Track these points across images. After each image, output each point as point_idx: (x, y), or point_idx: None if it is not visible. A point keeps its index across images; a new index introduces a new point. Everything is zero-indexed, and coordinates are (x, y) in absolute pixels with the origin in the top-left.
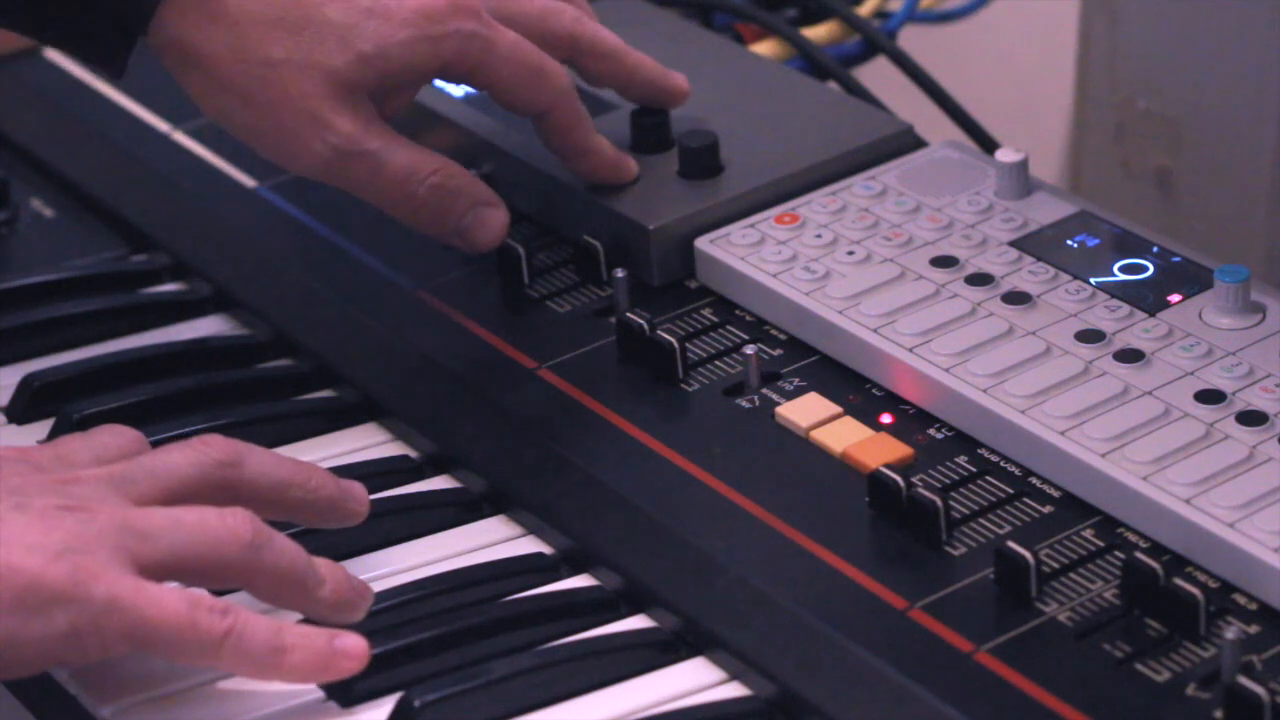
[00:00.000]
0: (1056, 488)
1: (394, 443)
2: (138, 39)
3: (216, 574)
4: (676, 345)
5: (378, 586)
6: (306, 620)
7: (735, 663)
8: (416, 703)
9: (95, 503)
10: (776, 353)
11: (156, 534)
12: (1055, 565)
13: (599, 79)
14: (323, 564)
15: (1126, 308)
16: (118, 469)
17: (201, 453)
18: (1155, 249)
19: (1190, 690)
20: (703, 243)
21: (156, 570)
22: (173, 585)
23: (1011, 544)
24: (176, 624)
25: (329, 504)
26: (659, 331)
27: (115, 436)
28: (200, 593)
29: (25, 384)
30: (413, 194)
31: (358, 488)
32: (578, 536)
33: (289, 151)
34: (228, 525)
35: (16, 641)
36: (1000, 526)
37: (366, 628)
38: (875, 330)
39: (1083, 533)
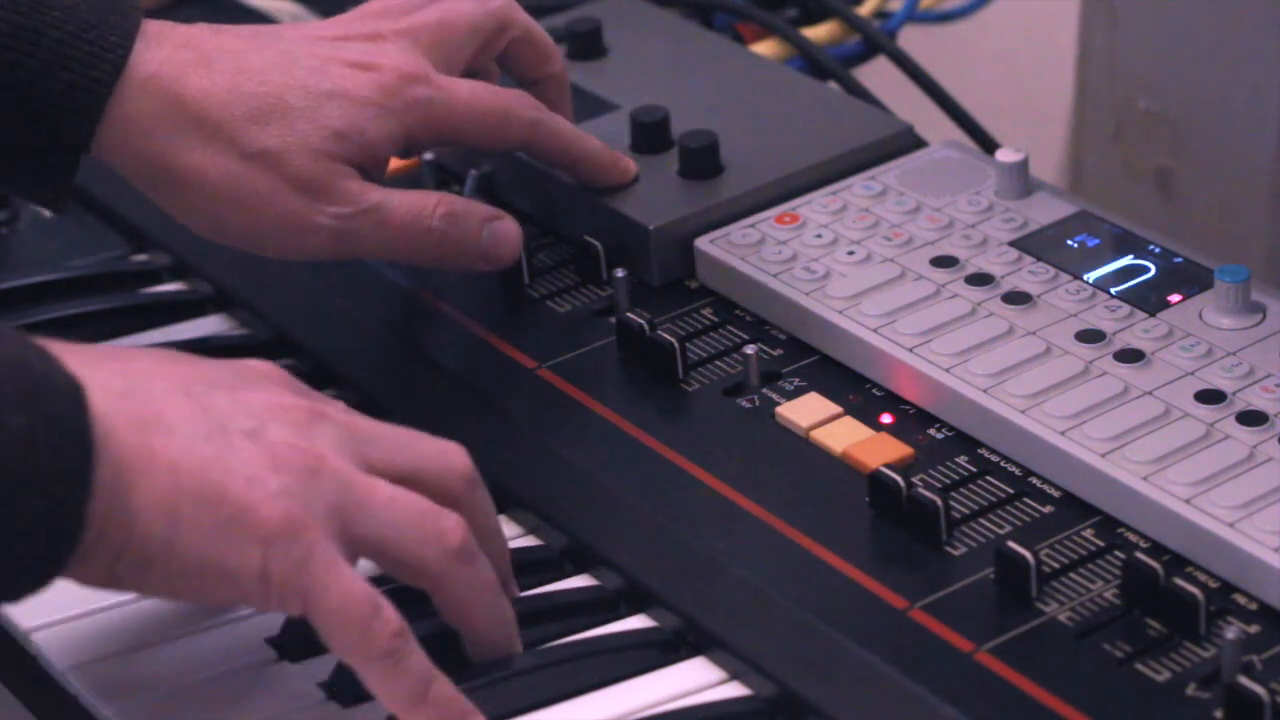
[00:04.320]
0: (1056, 488)
1: None
2: (80, 159)
3: (411, 569)
4: (676, 345)
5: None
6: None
7: (735, 663)
8: None
9: (328, 452)
10: (776, 353)
11: (371, 508)
12: (1055, 565)
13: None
14: (507, 605)
15: (1126, 308)
16: (365, 424)
17: (448, 457)
18: (1155, 249)
19: (1190, 690)
20: (703, 243)
21: (359, 543)
22: (365, 578)
23: (1011, 544)
24: (348, 616)
25: (501, 576)
26: (659, 331)
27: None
28: (387, 601)
29: None
30: (428, 229)
31: (514, 590)
32: (578, 536)
33: (293, 236)
34: (440, 526)
35: (211, 567)
36: (1000, 526)
37: None
38: (875, 330)
39: (1083, 533)
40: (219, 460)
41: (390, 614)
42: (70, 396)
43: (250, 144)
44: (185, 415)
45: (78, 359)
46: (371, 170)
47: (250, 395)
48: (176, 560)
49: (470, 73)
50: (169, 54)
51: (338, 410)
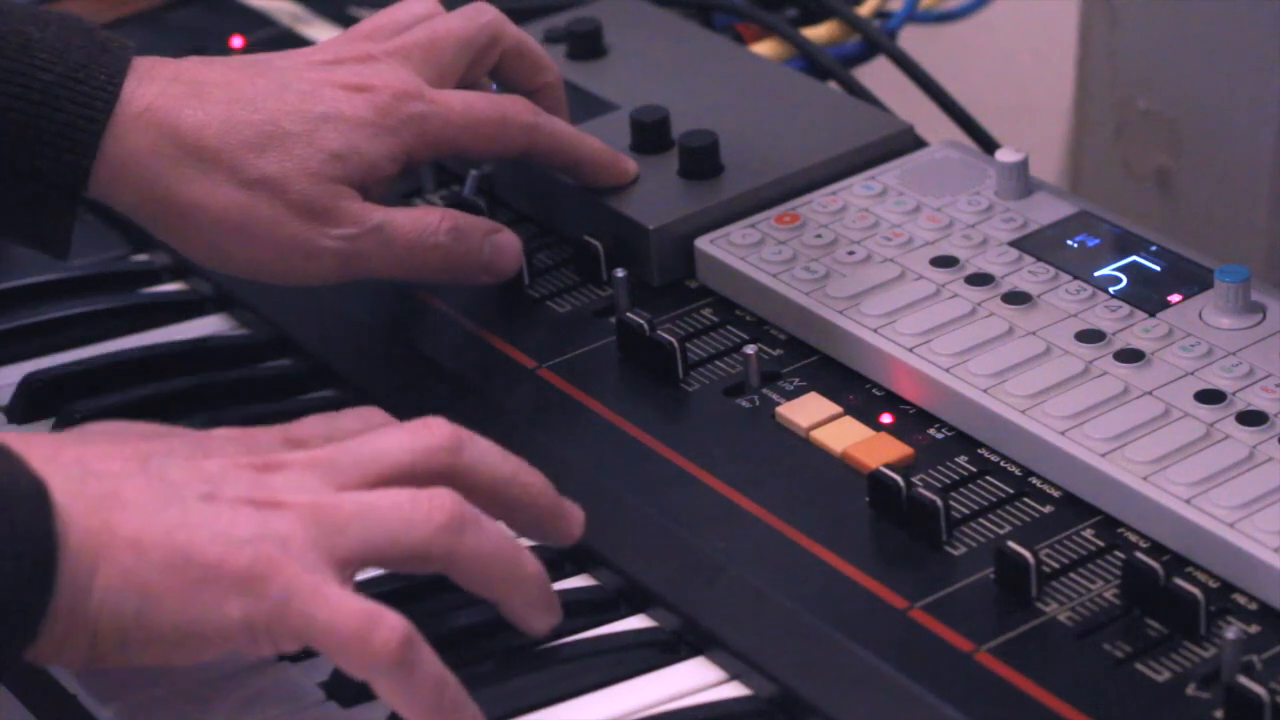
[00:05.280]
0: (1056, 488)
1: None
2: (78, 201)
3: (412, 559)
4: (676, 345)
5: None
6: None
7: (735, 663)
8: None
9: (288, 494)
10: (776, 353)
11: (345, 525)
12: (1055, 565)
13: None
14: (530, 560)
15: (1126, 308)
16: (325, 454)
17: (417, 437)
18: (1155, 249)
19: (1190, 690)
20: (703, 243)
21: (351, 561)
22: (357, 595)
23: (1011, 544)
24: (346, 635)
25: (543, 512)
26: (659, 331)
27: (355, 421)
28: (383, 609)
29: (25, 384)
30: (435, 245)
31: (576, 509)
32: None
33: (299, 262)
34: (422, 508)
35: (190, 631)
36: (1000, 526)
37: None
38: (875, 330)
39: (1083, 533)
40: (181, 525)
41: (392, 622)
42: (34, 500)
43: (250, 172)
44: (141, 490)
45: (39, 454)
46: (373, 190)
47: (205, 463)
48: (153, 631)
49: (464, 88)
50: (161, 88)
51: (294, 455)
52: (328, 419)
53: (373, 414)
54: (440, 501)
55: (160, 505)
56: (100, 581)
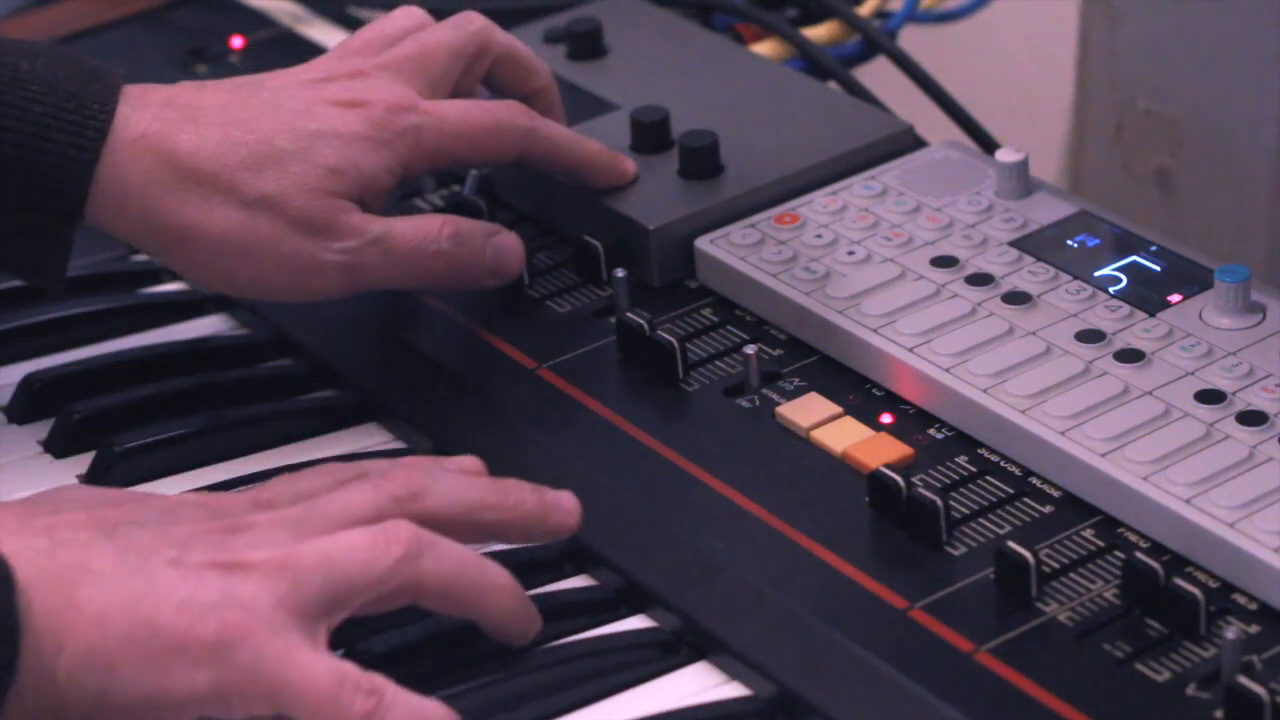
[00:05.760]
0: (1056, 488)
1: (394, 443)
2: (73, 231)
3: (380, 596)
4: (676, 345)
5: None
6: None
7: (735, 663)
8: None
9: (253, 552)
10: (776, 353)
11: (306, 575)
12: (1055, 565)
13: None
14: (498, 572)
15: (1126, 308)
16: (292, 513)
17: (378, 489)
18: (1155, 249)
19: (1190, 690)
20: (703, 243)
21: (319, 613)
22: (326, 655)
23: (1011, 544)
24: (316, 698)
25: (531, 520)
26: (659, 331)
27: (322, 478)
28: (350, 668)
29: (25, 384)
30: (438, 252)
31: (565, 498)
32: (577, 537)
33: (302, 278)
34: (379, 544)
35: (160, 702)
36: (1000, 526)
37: (366, 626)
38: (875, 330)
39: (1083, 533)
40: (147, 595)
41: (356, 678)
42: None
43: (248, 191)
44: (109, 559)
45: (8, 528)
46: (371, 203)
47: (173, 529)
48: (120, 703)
49: (458, 96)
50: (154, 114)
51: (261, 516)
52: (293, 479)
53: (338, 470)
54: (395, 534)
55: (127, 574)
56: (65, 660)
